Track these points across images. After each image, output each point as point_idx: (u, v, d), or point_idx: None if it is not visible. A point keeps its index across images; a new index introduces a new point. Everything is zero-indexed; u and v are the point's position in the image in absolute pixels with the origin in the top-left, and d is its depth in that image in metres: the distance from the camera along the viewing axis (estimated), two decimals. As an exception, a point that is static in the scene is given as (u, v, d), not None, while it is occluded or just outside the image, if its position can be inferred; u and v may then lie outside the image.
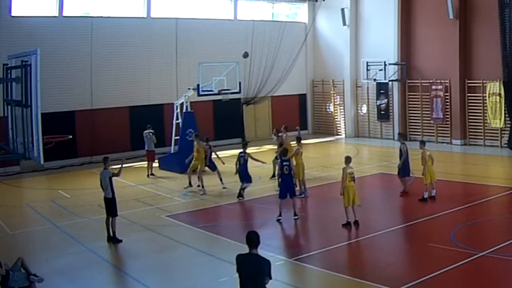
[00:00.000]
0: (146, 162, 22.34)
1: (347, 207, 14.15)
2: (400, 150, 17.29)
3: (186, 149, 21.12)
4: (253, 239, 7.47)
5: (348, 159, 14.43)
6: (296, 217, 15.17)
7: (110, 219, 13.80)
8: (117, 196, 14.05)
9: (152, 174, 21.97)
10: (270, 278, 7.47)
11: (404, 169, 17.23)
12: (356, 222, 14.16)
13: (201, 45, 28.30)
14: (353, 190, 14.10)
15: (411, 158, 17.60)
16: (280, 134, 20.38)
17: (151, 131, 22.15)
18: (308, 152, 27.20)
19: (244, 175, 17.69)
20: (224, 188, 19.09)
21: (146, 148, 22.24)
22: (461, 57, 26.55)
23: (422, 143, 17.02)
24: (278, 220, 15.13)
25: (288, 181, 15.23)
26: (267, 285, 7.46)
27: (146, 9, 27.48)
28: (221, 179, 19.41)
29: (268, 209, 17.12)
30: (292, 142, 19.51)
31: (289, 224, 15.22)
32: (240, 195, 17.65)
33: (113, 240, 13.70)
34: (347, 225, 14.12)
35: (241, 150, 18.07)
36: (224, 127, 29.65)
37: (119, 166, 14.62)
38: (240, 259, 7.53)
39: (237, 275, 7.54)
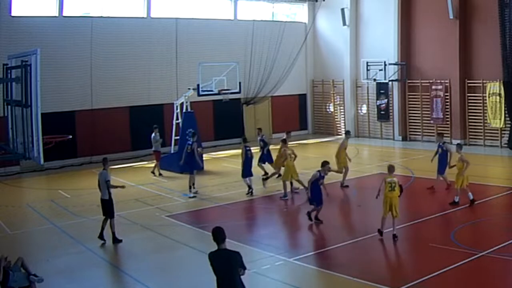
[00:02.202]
0: (154, 162, 22.52)
1: (384, 216, 13.22)
2: (444, 149, 17.56)
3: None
4: (218, 235, 7.57)
5: (390, 168, 13.49)
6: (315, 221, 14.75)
7: (108, 220, 13.75)
8: (114, 197, 14.00)
9: (160, 174, 22.06)
10: (244, 269, 7.61)
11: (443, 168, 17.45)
12: (394, 236, 13.03)
13: (201, 45, 28.30)
14: (393, 201, 13.06)
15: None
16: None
17: (158, 133, 22.26)
18: (308, 152, 27.29)
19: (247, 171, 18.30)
20: (191, 197, 18.30)
21: (153, 149, 22.29)
22: (461, 57, 26.55)
23: (459, 146, 16.63)
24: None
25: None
26: (242, 277, 7.57)
27: (146, 9, 27.48)
28: (192, 184, 18.63)
29: (268, 209, 17.15)
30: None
31: (288, 224, 15.22)
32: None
33: (113, 241, 13.70)
34: (379, 232, 13.25)
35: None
36: (224, 127, 29.66)
37: (120, 186, 14.46)
38: (212, 256, 7.61)
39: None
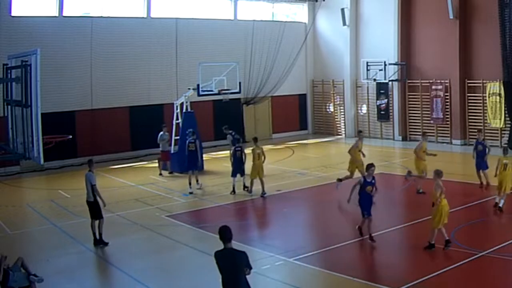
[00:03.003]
0: (158, 162, 22.49)
1: (439, 228, 11.97)
2: (484, 146, 17.84)
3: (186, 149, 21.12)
4: (225, 234, 7.57)
5: (440, 174, 12.15)
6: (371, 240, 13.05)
7: (97, 222, 13.56)
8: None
9: (160, 174, 22.08)
10: (250, 268, 7.60)
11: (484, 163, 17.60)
12: (447, 241, 11.99)
13: (201, 45, 28.31)
14: (447, 209, 12.09)
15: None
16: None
17: (167, 133, 22.27)
18: (308, 152, 27.33)
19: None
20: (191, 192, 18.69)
21: (161, 149, 22.26)
22: (461, 57, 26.55)
23: (505, 149, 16.27)
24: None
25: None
26: (248, 276, 7.57)
27: (146, 9, 27.48)
28: (196, 181, 19.24)
29: (268, 209, 17.16)
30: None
31: (288, 224, 15.22)
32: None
33: (99, 242, 13.47)
34: (430, 247, 12.05)
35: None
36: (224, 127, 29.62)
37: (103, 201, 13.72)
38: (218, 255, 7.62)
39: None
